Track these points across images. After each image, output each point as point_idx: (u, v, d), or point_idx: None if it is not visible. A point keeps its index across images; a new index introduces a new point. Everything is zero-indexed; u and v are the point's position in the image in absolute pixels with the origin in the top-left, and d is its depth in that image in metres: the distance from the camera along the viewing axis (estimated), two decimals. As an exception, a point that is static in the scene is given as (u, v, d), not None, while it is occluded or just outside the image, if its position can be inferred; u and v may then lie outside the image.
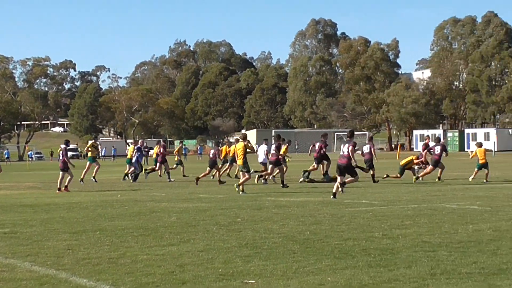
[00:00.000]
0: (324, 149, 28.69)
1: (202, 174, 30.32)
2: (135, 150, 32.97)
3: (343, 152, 19.83)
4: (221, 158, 32.19)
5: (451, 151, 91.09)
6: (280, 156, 27.96)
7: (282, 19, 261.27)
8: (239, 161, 23.57)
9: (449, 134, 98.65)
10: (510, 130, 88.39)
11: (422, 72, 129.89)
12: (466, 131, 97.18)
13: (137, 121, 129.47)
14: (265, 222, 14.31)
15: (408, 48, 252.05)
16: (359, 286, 8.02)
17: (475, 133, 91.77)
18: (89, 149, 32.52)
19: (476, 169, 28.32)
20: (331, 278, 8.45)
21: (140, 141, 35.93)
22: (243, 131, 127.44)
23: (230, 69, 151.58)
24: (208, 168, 30.97)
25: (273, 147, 27.93)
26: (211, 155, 30.96)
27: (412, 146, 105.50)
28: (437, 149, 27.64)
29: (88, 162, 32.54)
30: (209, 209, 17.46)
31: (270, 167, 27.70)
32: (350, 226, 13.22)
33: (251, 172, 24.23)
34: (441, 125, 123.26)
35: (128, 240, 12.05)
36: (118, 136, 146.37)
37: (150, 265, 9.62)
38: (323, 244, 11.10)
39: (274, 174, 28.55)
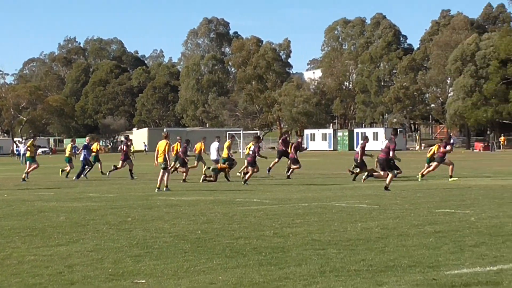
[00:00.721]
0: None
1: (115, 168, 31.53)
2: (82, 148, 33.04)
3: (382, 148, 22.36)
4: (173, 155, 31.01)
5: (341, 150, 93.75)
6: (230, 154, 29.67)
7: (174, 18, 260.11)
8: (160, 158, 23.45)
9: (339, 134, 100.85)
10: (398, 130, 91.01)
11: (313, 72, 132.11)
12: (356, 130, 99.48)
13: (25, 118, 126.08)
14: (156, 221, 14.19)
15: (299, 48, 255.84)
16: (250, 284, 8.07)
17: (364, 133, 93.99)
18: (29, 148, 32.02)
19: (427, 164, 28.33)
20: (222, 277, 8.46)
21: (87, 138, 35.80)
22: (134, 129, 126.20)
23: (121, 67, 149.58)
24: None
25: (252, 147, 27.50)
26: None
27: (303, 146, 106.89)
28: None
29: (27, 162, 31.88)
30: (99, 208, 17.18)
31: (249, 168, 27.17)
32: (242, 225, 13.29)
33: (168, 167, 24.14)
34: (331, 124, 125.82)
35: (14, 241, 11.71)
36: (5, 134, 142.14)
37: (38, 266, 9.38)
38: (214, 243, 11.11)
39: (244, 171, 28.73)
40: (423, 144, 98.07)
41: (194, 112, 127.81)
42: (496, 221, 13.29)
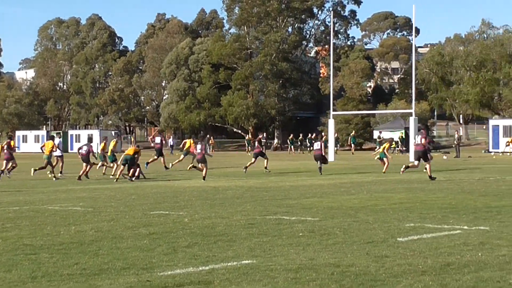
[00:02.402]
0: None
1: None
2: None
3: (416, 141, 26.31)
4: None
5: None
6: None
7: None
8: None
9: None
10: (113, 132, 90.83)
11: (26, 72, 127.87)
12: (70, 132, 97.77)
13: None
14: None
15: (11, 47, 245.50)
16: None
17: (79, 135, 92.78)
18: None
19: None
20: None
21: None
22: None
23: None
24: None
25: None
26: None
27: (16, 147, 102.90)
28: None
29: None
30: None
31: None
32: None
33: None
34: (45, 126, 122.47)
35: None
36: None
37: None
38: None
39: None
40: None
41: None
42: (208, 221, 13.74)
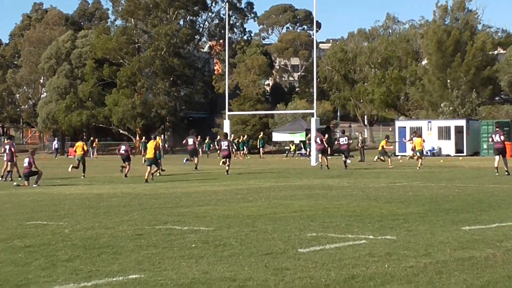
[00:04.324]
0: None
1: None
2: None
3: (497, 140, 31.64)
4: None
5: None
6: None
7: None
8: None
9: None
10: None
11: None
12: None
13: None
14: None
15: None
16: None
17: None
18: None
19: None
20: None
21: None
22: None
23: None
24: None
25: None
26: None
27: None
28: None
29: None
30: None
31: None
32: None
33: None
34: None
35: None
36: None
37: None
38: None
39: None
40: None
41: None
42: (91, 232, 13.54)
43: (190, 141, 39.75)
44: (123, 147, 36.42)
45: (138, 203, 20.03)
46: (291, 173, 32.10)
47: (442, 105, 73.04)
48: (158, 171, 34.10)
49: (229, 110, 58.01)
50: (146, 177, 30.78)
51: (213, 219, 15.43)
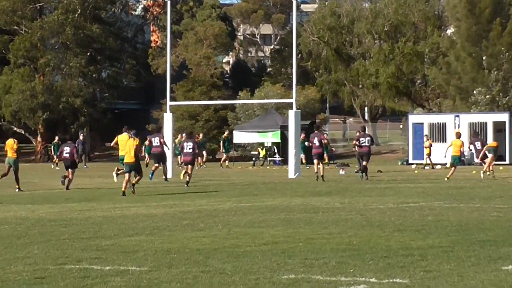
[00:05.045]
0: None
1: None
2: None
3: None
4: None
5: None
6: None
7: None
8: None
9: None
10: None
11: None
12: None
13: None
14: None
15: None
16: None
17: None
18: None
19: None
20: None
21: None
22: None
23: None
24: None
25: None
26: None
27: None
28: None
29: None
30: None
31: None
32: None
33: None
34: None
35: None
36: None
37: None
38: None
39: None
40: None
41: None
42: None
43: (156, 141, 40.25)
44: (67, 149, 36.51)
45: (39, 232, 19.98)
46: (260, 188, 32.06)
47: (475, 92, 73.03)
48: (139, 181, 33.74)
49: (172, 99, 58.03)
50: (123, 188, 31.73)
51: (148, 255, 15.42)
